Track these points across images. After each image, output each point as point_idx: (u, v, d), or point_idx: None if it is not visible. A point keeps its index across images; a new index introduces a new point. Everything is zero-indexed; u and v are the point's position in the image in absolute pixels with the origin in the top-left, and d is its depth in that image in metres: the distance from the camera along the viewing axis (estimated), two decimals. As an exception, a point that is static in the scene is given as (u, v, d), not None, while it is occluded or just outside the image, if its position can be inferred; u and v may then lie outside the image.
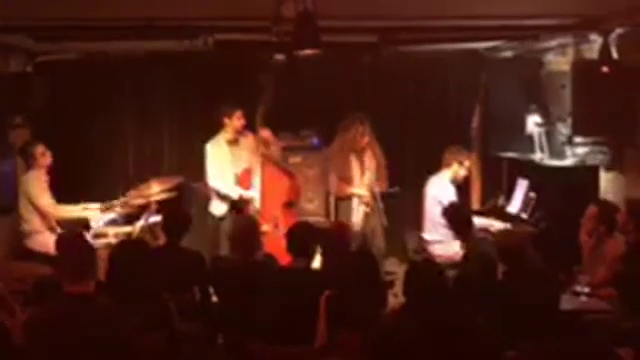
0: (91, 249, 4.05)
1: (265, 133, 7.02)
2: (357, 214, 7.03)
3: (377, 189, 6.97)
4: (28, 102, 6.72)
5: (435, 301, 3.84)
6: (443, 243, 6.79)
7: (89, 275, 3.80)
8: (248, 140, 7.09)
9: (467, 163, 7.22)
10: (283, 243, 5.02)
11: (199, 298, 5.11)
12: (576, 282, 5.26)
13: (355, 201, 7.05)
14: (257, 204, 6.94)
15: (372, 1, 5.11)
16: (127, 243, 5.04)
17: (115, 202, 6.83)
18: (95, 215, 6.77)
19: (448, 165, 7.13)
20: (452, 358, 3.68)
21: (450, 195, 6.96)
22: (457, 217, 5.89)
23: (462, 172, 7.17)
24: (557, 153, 6.91)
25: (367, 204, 7.01)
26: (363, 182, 7.02)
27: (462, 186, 7.32)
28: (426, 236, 7.07)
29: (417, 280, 3.97)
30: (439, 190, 7.03)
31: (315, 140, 7.99)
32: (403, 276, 4.07)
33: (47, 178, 6.78)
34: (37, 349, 3.67)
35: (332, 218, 7.32)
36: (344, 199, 7.08)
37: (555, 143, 6.98)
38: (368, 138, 7.03)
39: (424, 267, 4.33)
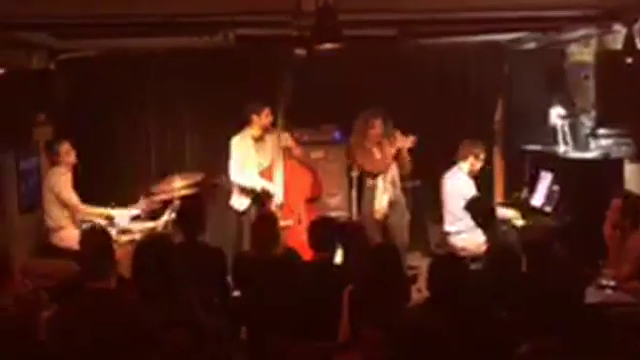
0: (110, 244, 4.08)
1: (286, 139, 7.04)
2: (380, 202, 7.03)
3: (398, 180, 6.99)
4: (51, 99, 6.77)
5: (459, 295, 3.82)
6: (465, 233, 6.79)
7: (110, 271, 3.84)
8: (273, 136, 7.10)
9: (483, 156, 7.19)
10: (306, 238, 5.04)
11: (220, 293, 5.12)
12: (601, 275, 5.22)
13: (379, 190, 7.03)
14: (280, 199, 6.96)
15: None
16: (152, 239, 5.06)
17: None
18: (119, 211, 6.82)
19: (464, 158, 7.12)
20: (476, 352, 3.66)
21: (469, 187, 6.96)
22: (479, 210, 5.86)
23: (478, 165, 7.15)
24: (581, 145, 6.85)
25: (393, 184, 7.01)
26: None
27: (479, 178, 7.28)
28: (448, 228, 7.07)
29: (441, 274, 3.96)
30: (457, 183, 7.03)
31: (337, 134, 7.99)
32: (427, 270, 4.06)
33: (71, 175, 6.85)
34: (61, 345, 3.71)
35: (354, 211, 7.33)
36: (372, 175, 7.06)
37: (579, 135, 6.92)
38: (382, 130, 7.03)
39: (448, 261, 4.31)
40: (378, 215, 6.99)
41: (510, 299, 4.16)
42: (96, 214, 6.76)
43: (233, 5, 5.25)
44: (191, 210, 5.63)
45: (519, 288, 4.29)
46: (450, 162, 7.24)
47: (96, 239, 4.27)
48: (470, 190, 6.93)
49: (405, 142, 6.97)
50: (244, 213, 6.99)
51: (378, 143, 7.05)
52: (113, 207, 6.84)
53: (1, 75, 5.88)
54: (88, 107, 7.72)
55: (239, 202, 7.07)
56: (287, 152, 7.10)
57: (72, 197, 6.72)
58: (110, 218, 6.75)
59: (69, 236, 6.48)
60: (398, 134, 6.99)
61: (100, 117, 7.88)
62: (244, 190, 7.03)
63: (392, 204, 7.04)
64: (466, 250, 6.62)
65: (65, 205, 6.69)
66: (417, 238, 7.77)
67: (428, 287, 3.99)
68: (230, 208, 7.21)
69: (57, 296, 4.59)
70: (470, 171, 7.12)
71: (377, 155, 7.05)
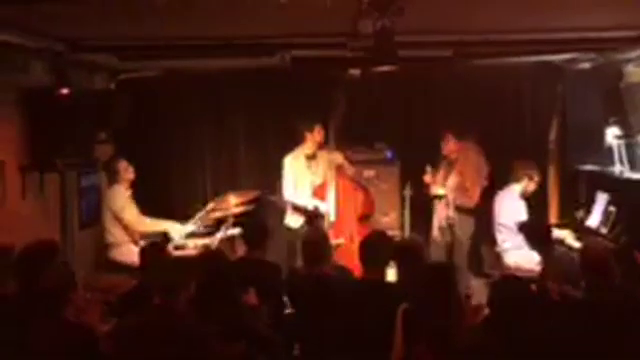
0: (183, 265, 4.18)
1: (338, 157, 7.12)
2: (435, 226, 7.09)
3: (457, 202, 6.99)
4: (112, 118, 6.95)
5: (521, 317, 3.81)
6: (517, 250, 6.79)
7: (181, 291, 3.94)
8: (325, 154, 7.18)
9: (537, 177, 7.15)
10: (357, 255, 5.04)
11: (275, 309, 5.17)
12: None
13: (435, 211, 7.12)
14: (332, 217, 7.01)
15: (447, 15, 5.11)
16: (212, 254, 5.17)
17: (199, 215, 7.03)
18: (176, 227, 6.95)
19: (518, 180, 7.09)
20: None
21: (522, 209, 6.93)
22: (535, 232, 5.81)
23: (532, 186, 7.12)
24: (637, 166, 6.76)
25: (447, 206, 7.07)
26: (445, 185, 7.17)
27: (533, 198, 7.25)
28: (500, 247, 7.04)
29: (503, 295, 3.95)
30: (510, 203, 7.02)
31: (389, 153, 8.00)
32: (489, 291, 4.06)
33: (130, 192, 7.01)
34: (123, 357, 3.81)
35: (407, 231, 7.35)
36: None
37: (635, 156, 6.83)
38: (454, 148, 7.17)
39: (511, 283, 4.31)
40: (434, 237, 7.04)
41: (567, 321, 4.13)
42: (152, 231, 6.87)
43: (290, 28, 5.35)
44: (256, 225, 5.74)
45: (576, 311, 4.26)
46: (504, 182, 7.21)
47: (166, 258, 4.38)
48: (522, 212, 6.92)
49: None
50: (297, 231, 7.06)
51: (451, 161, 7.14)
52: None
53: (66, 95, 6.07)
54: (147, 126, 7.90)
55: (293, 220, 7.15)
56: (340, 170, 7.16)
57: (129, 215, 6.89)
58: (166, 233, 6.88)
59: (128, 252, 6.63)
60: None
61: (158, 135, 8.07)
62: (297, 208, 7.11)
63: (447, 226, 7.08)
64: (520, 268, 6.57)
65: (122, 223, 6.86)
66: (470, 258, 7.73)
67: (489, 307, 3.98)
68: (282, 225, 7.29)
69: (116, 310, 4.70)
70: (523, 192, 7.09)
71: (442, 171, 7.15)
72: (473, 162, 7.23)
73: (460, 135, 7.20)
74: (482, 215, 7.39)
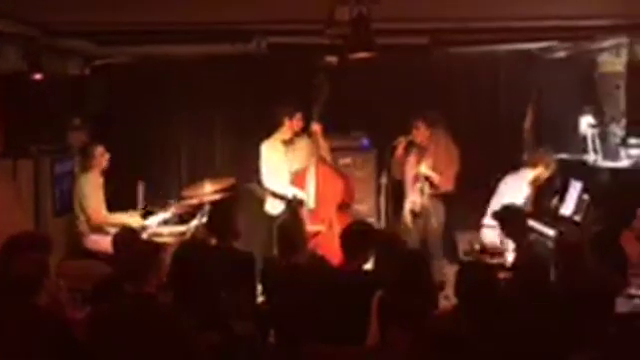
0: (153, 250, 4.16)
1: (316, 126, 7.08)
2: (406, 212, 7.11)
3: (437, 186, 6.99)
4: (86, 104, 6.89)
5: (487, 302, 3.84)
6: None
7: (150, 276, 3.91)
8: (303, 141, 7.16)
9: (553, 166, 7.09)
10: (337, 244, 5.03)
11: (249, 297, 5.15)
12: (630, 285, 5.20)
13: (407, 204, 7.13)
14: (311, 204, 7.00)
15: (423, 3, 5.12)
16: (189, 243, 5.13)
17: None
18: (137, 220, 6.87)
19: (534, 165, 7.09)
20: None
21: (523, 194, 6.93)
22: (510, 219, 5.77)
23: (545, 175, 7.07)
24: (611, 154, 6.83)
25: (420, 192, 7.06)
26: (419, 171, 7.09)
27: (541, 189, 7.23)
28: (486, 221, 6.96)
29: (469, 281, 3.98)
30: (516, 187, 7.00)
31: (365, 141, 8.01)
32: (455, 277, 4.09)
33: (102, 180, 6.93)
34: (98, 346, 3.79)
35: (383, 219, 7.36)
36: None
37: (609, 144, 6.90)
38: (426, 135, 7.08)
39: (475, 268, 4.34)
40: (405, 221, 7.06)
41: (541, 307, 4.16)
42: (118, 224, 6.64)
43: (267, 14, 5.32)
44: (222, 214, 5.69)
45: (550, 295, 4.30)
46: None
47: (136, 244, 4.35)
48: (521, 196, 6.93)
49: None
50: (277, 217, 7.03)
51: (420, 147, 7.10)
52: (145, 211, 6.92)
53: (39, 80, 5.99)
54: (121, 112, 7.83)
55: (273, 206, 7.11)
56: (320, 157, 7.14)
57: (93, 206, 6.75)
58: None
59: (101, 240, 6.55)
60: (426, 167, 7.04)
61: (133, 122, 7.99)
62: (276, 195, 7.08)
63: (420, 212, 7.09)
64: (493, 245, 6.60)
65: (86, 212, 6.75)
66: (445, 245, 7.75)
67: (455, 293, 4.02)
68: (261, 213, 7.26)
69: (90, 298, 4.67)
70: (534, 180, 7.07)
71: (411, 159, 7.12)
72: (444, 147, 7.22)
73: (431, 122, 7.18)
74: (455, 201, 7.42)
